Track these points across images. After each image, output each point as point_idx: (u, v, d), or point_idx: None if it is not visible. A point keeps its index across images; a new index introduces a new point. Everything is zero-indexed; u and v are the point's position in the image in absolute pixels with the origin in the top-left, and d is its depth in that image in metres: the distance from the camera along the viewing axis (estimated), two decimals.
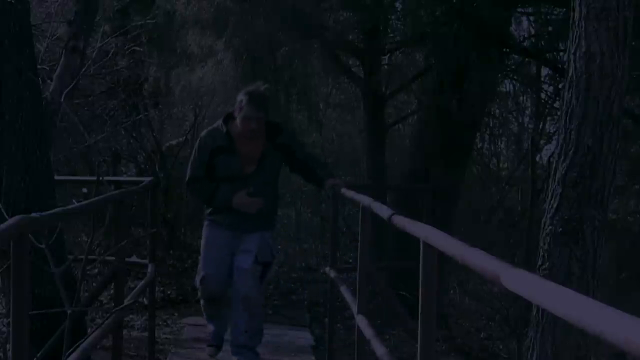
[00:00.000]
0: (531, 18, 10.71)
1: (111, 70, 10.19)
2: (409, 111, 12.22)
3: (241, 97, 5.19)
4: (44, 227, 3.61)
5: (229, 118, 5.26)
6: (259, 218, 5.28)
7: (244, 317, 5.29)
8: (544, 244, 4.35)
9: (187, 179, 5.39)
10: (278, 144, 5.31)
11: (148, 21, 9.69)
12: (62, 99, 7.50)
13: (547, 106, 10.95)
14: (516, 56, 9.97)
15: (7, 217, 3.06)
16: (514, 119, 13.45)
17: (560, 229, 4.28)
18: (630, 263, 9.17)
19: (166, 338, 7.23)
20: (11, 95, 5.48)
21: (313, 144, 12.84)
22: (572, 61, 4.26)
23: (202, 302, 5.59)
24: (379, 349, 4.08)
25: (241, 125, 5.16)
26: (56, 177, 6.31)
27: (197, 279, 5.45)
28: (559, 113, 5.20)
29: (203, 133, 5.44)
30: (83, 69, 8.29)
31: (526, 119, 13.28)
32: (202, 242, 5.47)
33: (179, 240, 10.14)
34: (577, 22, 4.24)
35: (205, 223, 5.46)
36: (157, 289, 7.56)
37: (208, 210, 5.44)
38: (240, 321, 5.31)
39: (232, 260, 5.29)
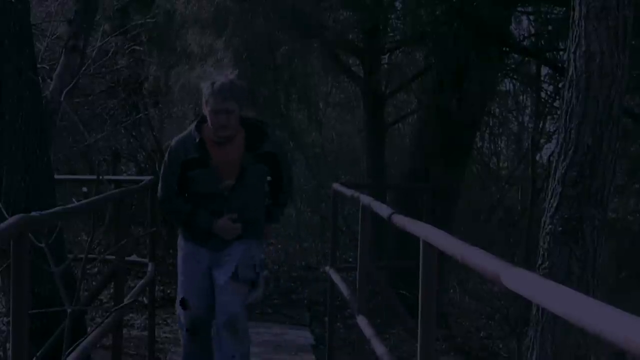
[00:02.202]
0: (531, 17, 10.71)
1: (111, 69, 10.20)
2: (409, 110, 12.23)
3: (205, 89, 4.42)
4: (44, 226, 3.62)
5: (202, 122, 4.50)
6: (241, 233, 4.55)
7: (230, 342, 4.49)
8: (544, 243, 4.35)
9: (159, 198, 4.69)
10: (261, 154, 4.48)
11: (148, 20, 9.69)
12: (62, 98, 7.50)
13: (547, 105, 10.94)
14: (516, 55, 9.96)
15: (7, 216, 3.06)
16: (513, 118, 13.45)
17: (560, 228, 4.28)
18: (630, 262, 9.16)
19: (166, 337, 7.23)
20: (11, 95, 5.48)
21: (313, 143, 12.85)
22: (572, 60, 4.26)
23: (183, 339, 4.73)
24: (379, 348, 4.08)
25: (210, 122, 4.39)
26: (56, 176, 6.31)
27: (177, 303, 4.70)
28: (558, 112, 5.20)
29: (173, 142, 4.64)
30: (83, 68, 8.29)
31: (526, 118, 13.29)
32: (179, 259, 4.74)
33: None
34: (577, 21, 4.23)
35: (180, 236, 4.77)
36: (157, 288, 7.56)
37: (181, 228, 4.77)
38: (225, 346, 4.50)
39: (211, 280, 4.59)
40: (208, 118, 4.39)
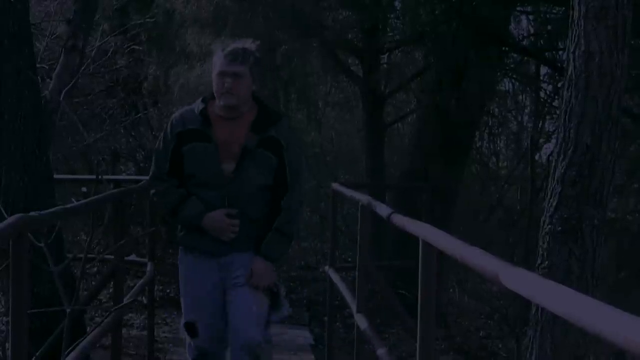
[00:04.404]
0: (530, 17, 10.72)
1: (110, 69, 10.21)
2: (408, 110, 12.24)
3: (215, 50, 3.86)
4: (43, 225, 3.61)
5: (210, 97, 3.87)
6: (246, 235, 3.79)
7: None
8: (543, 243, 4.35)
9: (149, 176, 3.98)
10: (268, 138, 3.76)
11: (147, 20, 9.70)
12: (61, 98, 7.49)
13: (546, 105, 10.95)
14: (515, 55, 9.97)
15: (6, 216, 3.06)
16: (513, 118, 13.46)
17: (560, 228, 4.28)
18: (629, 262, 9.17)
19: (165, 337, 7.23)
20: (10, 95, 5.47)
21: (312, 142, 12.85)
22: (571, 60, 4.26)
23: None
24: (378, 347, 4.08)
25: (215, 87, 3.76)
26: (55, 176, 6.31)
27: (181, 325, 3.93)
28: (558, 112, 5.21)
29: (174, 114, 4.00)
30: (82, 68, 8.29)
31: (525, 118, 13.30)
32: (181, 276, 3.96)
33: (178, 239, 10.13)
34: (576, 21, 4.24)
35: (180, 249, 4.02)
36: (156, 287, 7.56)
37: (179, 229, 3.98)
38: None
39: (224, 297, 3.82)
40: (214, 84, 3.77)
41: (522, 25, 11.56)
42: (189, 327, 3.79)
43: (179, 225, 3.96)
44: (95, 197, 4.12)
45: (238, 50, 3.73)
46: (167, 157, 3.80)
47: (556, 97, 9.91)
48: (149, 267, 5.95)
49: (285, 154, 3.78)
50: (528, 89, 12.11)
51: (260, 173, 3.75)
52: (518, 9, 10.10)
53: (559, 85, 8.59)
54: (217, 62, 3.75)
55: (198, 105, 3.81)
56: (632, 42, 5.24)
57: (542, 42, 9.89)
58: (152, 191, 3.97)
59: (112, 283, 5.39)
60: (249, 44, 3.81)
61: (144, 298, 7.40)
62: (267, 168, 3.76)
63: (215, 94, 3.78)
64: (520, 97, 13.17)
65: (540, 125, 11.22)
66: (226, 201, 3.74)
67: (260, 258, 3.77)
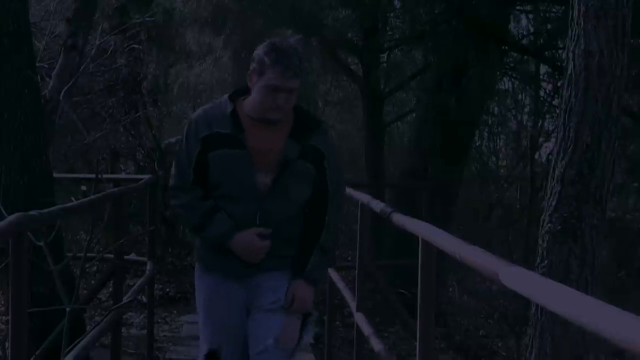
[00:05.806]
0: (530, 16, 10.73)
1: (110, 68, 10.22)
2: (408, 109, 12.24)
3: (261, 53, 3.15)
4: (43, 224, 3.61)
5: (237, 95, 3.28)
6: (276, 254, 3.26)
7: None
8: (543, 242, 4.35)
9: (170, 188, 3.36)
10: (308, 147, 3.23)
11: (147, 19, 9.71)
12: (61, 97, 7.50)
13: (546, 104, 10.96)
14: (515, 54, 9.97)
15: (6, 215, 3.06)
16: (512, 117, 13.46)
17: (559, 227, 4.28)
18: (629, 261, 9.18)
19: (165, 336, 7.23)
20: (10, 94, 5.48)
21: None
22: (571, 59, 4.26)
23: None
24: (378, 346, 4.08)
25: (260, 99, 3.16)
26: (55, 175, 6.32)
27: (201, 354, 3.33)
28: (557, 111, 5.20)
29: (196, 112, 3.40)
30: (82, 67, 8.30)
31: (525, 117, 13.29)
32: (198, 297, 3.39)
33: (177, 238, 10.14)
34: (576, 20, 4.24)
35: (197, 266, 3.42)
36: (155, 286, 7.56)
37: (198, 246, 3.41)
38: None
39: (245, 319, 3.32)
40: (257, 92, 3.17)
41: (521, 24, 11.57)
42: (211, 357, 3.30)
43: (197, 241, 3.41)
44: (95, 196, 4.12)
45: (295, 62, 3.14)
46: (190, 164, 3.24)
47: (556, 96, 9.91)
48: (148, 266, 5.95)
49: (326, 163, 3.27)
50: (528, 88, 12.11)
51: (301, 187, 3.24)
52: (518, 8, 10.11)
53: (559, 84, 8.59)
54: (268, 71, 3.12)
55: (226, 105, 3.24)
56: (632, 41, 5.24)
57: (541, 41, 9.89)
58: (174, 202, 3.36)
59: (111, 282, 5.40)
60: (298, 45, 3.34)
61: (143, 297, 7.41)
62: (306, 181, 3.25)
63: (257, 105, 3.19)
64: (520, 96, 13.16)
65: (540, 124, 11.22)
66: (258, 218, 3.20)
67: (301, 281, 3.26)
